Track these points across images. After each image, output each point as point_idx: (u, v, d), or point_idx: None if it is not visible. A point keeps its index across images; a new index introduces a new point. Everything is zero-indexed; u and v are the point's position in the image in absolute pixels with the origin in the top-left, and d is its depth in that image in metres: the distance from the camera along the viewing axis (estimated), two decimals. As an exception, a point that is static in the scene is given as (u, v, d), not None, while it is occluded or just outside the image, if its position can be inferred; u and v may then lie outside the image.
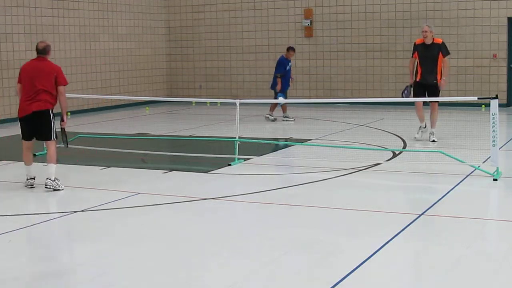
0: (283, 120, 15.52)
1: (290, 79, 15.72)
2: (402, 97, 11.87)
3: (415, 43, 11.73)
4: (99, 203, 7.75)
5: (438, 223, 6.79)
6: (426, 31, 11.35)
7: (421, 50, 11.43)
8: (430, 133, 11.71)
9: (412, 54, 11.68)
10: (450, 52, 12.07)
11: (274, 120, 15.55)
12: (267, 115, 15.67)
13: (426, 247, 6.06)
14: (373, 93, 18.36)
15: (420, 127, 11.92)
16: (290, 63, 15.58)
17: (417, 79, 11.54)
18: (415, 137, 11.81)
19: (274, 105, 15.52)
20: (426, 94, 11.56)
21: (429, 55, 11.33)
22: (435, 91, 11.50)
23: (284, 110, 15.62)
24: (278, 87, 15.28)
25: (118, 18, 19.26)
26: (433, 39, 11.43)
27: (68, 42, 17.68)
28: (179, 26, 20.99)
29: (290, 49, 15.54)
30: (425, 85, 11.49)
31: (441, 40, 11.60)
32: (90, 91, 18.14)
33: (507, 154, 10.75)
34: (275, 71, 15.65)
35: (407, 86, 11.83)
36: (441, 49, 11.43)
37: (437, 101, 11.66)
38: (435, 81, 11.41)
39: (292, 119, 15.47)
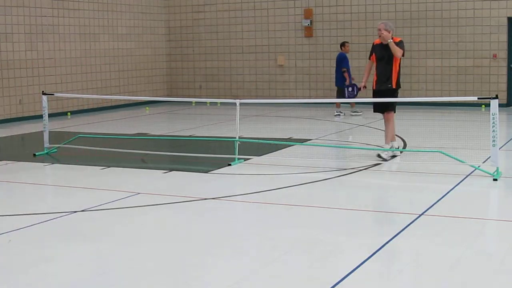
0: (351, 115, 15.93)
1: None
2: (345, 95, 10.84)
3: (373, 43, 10.42)
4: (99, 203, 7.74)
5: (438, 223, 6.78)
6: (380, 30, 10.14)
7: (378, 51, 10.26)
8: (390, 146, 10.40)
9: (370, 56, 10.40)
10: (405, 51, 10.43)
11: (342, 116, 15.90)
12: (338, 113, 15.95)
13: (426, 247, 6.05)
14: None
15: (392, 146, 10.44)
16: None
17: (373, 87, 10.36)
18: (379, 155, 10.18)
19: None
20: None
21: (385, 54, 10.12)
22: (390, 97, 10.21)
23: (352, 105, 16.11)
24: (347, 81, 15.85)
25: (118, 18, 19.27)
26: (392, 38, 10.07)
27: (68, 42, 17.68)
28: (179, 26, 20.99)
29: (346, 43, 16.52)
30: (379, 92, 10.26)
31: (399, 39, 10.24)
32: (90, 91, 18.15)
33: (507, 154, 10.75)
34: (338, 67, 16.09)
35: (354, 85, 10.81)
36: (398, 45, 10.02)
37: (394, 111, 10.41)
38: (390, 85, 10.15)
39: (360, 113, 15.90)
